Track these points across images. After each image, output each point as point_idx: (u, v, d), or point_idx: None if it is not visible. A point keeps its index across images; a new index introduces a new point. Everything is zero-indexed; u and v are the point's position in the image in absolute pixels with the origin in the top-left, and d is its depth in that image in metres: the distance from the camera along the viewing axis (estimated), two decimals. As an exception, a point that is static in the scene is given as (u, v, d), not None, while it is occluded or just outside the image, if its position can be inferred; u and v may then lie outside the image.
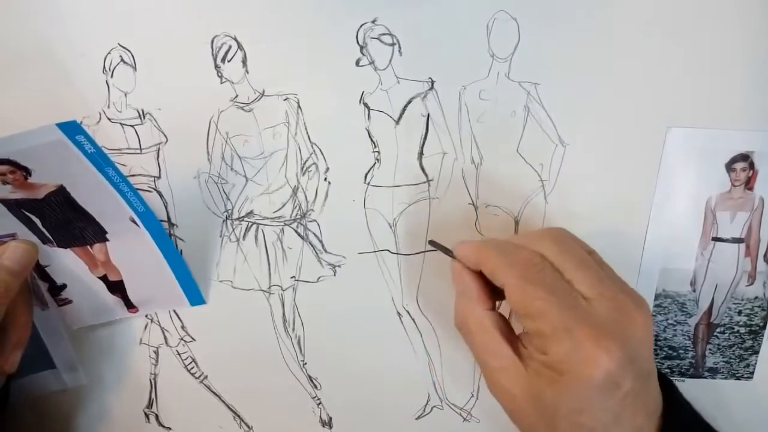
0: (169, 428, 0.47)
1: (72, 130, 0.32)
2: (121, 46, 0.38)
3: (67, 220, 0.37)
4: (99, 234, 0.39)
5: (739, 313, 0.42)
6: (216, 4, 0.37)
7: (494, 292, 0.34)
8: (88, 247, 0.39)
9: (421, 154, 0.40)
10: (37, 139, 0.32)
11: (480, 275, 0.34)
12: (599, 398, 0.29)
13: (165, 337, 0.45)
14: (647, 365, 0.31)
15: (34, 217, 0.37)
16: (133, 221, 0.38)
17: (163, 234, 0.39)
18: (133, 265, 0.41)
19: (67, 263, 0.40)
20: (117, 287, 0.42)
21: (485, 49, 0.38)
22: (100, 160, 0.34)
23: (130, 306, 0.43)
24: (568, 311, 0.30)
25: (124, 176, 0.35)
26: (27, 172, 0.34)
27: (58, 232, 0.38)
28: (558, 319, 0.29)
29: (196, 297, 0.43)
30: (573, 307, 0.30)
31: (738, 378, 0.44)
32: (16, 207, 0.36)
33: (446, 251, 0.36)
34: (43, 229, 0.38)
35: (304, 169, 0.41)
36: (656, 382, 0.32)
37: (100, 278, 0.41)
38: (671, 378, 0.43)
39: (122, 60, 0.38)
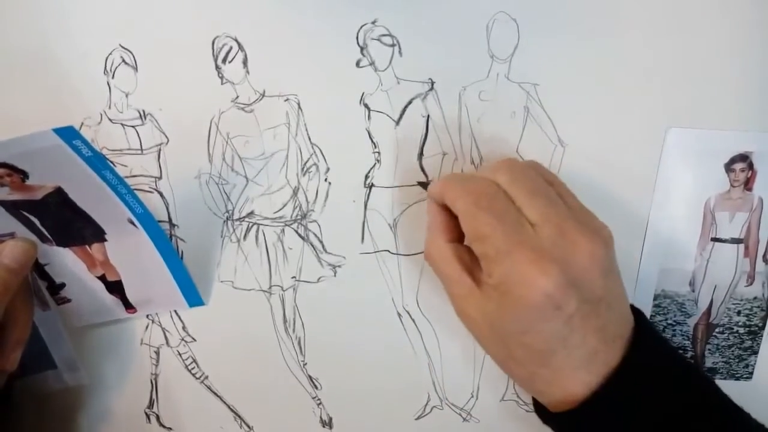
0: (170, 428, 0.48)
1: (69, 135, 0.32)
2: (122, 47, 0.38)
3: (65, 220, 0.38)
4: (97, 234, 0.39)
5: (738, 313, 0.42)
6: (217, 5, 0.38)
7: (461, 231, 0.35)
8: (87, 246, 0.40)
9: (421, 154, 0.40)
10: (34, 144, 0.32)
11: (447, 210, 0.35)
12: (540, 319, 0.30)
13: (166, 338, 0.45)
14: (596, 289, 0.31)
15: (32, 217, 0.37)
16: (132, 223, 0.38)
17: (162, 236, 0.39)
18: (131, 266, 0.41)
19: (65, 262, 0.40)
20: (115, 287, 0.42)
21: (485, 50, 0.38)
22: (97, 163, 0.34)
23: (128, 306, 0.43)
24: (511, 235, 0.31)
25: (122, 179, 0.35)
26: (24, 174, 0.34)
27: (57, 232, 0.38)
28: (501, 242, 0.31)
29: (194, 299, 0.43)
30: (517, 232, 0.31)
31: (737, 378, 0.44)
32: (13, 207, 0.36)
33: (423, 185, 0.39)
34: (42, 229, 0.38)
35: (305, 169, 0.41)
36: (620, 310, 0.33)
37: (98, 278, 0.41)
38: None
39: (123, 61, 0.38)
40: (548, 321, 0.30)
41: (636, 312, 0.34)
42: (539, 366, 0.32)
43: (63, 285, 0.42)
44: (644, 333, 0.33)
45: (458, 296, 0.34)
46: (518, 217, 0.32)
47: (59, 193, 0.36)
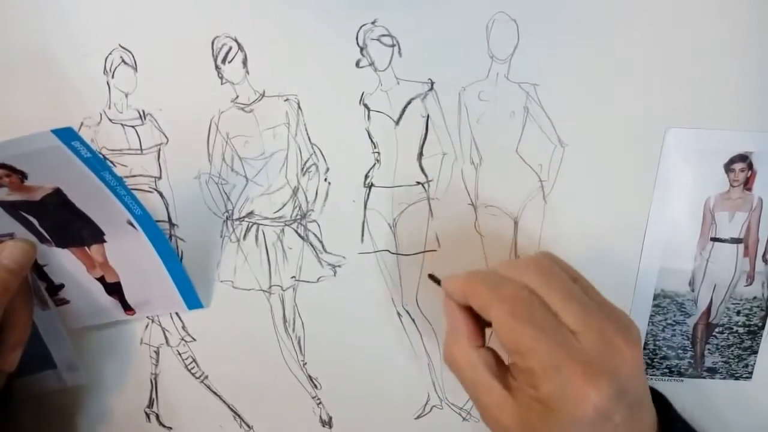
0: (170, 428, 0.48)
1: (67, 136, 0.32)
2: (121, 47, 0.38)
3: (64, 221, 0.38)
4: (96, 235, 0.39)
5: (738, 313, 0.42)
6: (216, 5, 0.38)
7: (483, 323, 0.34)
8: (86, 248, 0.40)
9: (420, 154, 0.40)
10: (33, 145, 0.32)
11: (469, 310, 0.34)
12: (590, 431, 0.29)
13: (165, 337, 0.45)
14: (638, 393, 0.31)
15: (31, 218, 0.37)
16: (131, 224, 0.38)
17: (161, 237, 0.39)
18: (130, 268, 0.41)
19: (64, 263, 0.40)
20: (114, 289, 0.42)
21: (485, 50, 0.38)
22: (96, 164, 0.34)
23: (127, 308, 0.43)
24: (556, 348, 0.30)
25: (121, 180, 0.35)
26: (23, 175, 0.34)
27: (56, 233, 0.38)
28: (547, 357, 0.30)
29: (193, 301, 0.43)
30: (561, 344, 0.30)
31: (737, 378, 0.44)
32: (12, 208, 0.36)
33: (435, 280, 0.37)
34: (41, 229, 0.38)
35: (305, 169, 0.41)
36: (649, 403, 0.32)
37: (97, 279, 0.41)
38: (668, 386, 0.43)
39: (123, 61, 0.38)
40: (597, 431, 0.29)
41: (659, 398, 0.34)
42: None
43: (62, 286, 0.42)
44: (670, 425, 0.33)
45: (489, 404, 0.33)
46: (559, 326, 0.31)
47: (58, 194, 0.36)
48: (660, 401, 0.34)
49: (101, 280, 0.41)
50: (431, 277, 0.38)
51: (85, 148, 0.33)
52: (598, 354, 0.30)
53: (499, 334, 0.32)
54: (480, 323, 0.34)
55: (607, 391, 0.29)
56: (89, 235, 0.39)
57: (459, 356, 0.34)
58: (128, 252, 0.40)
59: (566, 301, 0.31)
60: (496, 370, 0.33)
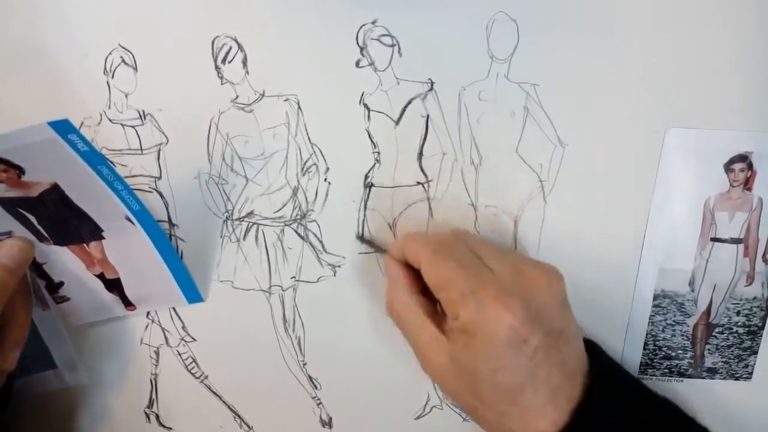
0: (170, 428, 0.48)
1: (64, 128, 0.32)
2: (121, 47, 0.38)
3: (62, 218, 0.38)
4: (95, 232, 0.39)
5: (738, 313, 0.42)
6: (216, 5, 0.38)
7: (423, 287, 0.36)
8: (85, 245, 0.40)
9: (420, 154, 0.40)
10: (30, 138, 0.32)
11: (408, 267, 0.37)
12: (509, 354, 0.31)
13: (166, 337, 0.45)
14: (555, 323, 0.33)
15: (29, 215, 0.37)
16: (129, 220, 0.38)
17: (160, 232, 0.39)
18: (129, 263, 0.41)
19: (64, 261, 0.40)
20: (114, 285, 0.42)
21: (485, 50, 0.38)
22: (93, 158, 0.34)
23: (127, 304, 0.43)
24: (472, 278, 0.33)
25: (119, 175, 0.35)
26: (20, 170, 0.34)
27: (54, 230, 0.38)
28: (464, 285, 0.32)
29: (193, 295, 0.43)
30: (477, 274, 0.33)
31: (737, 378, 0.44)
32: (10, 205, 0.36)
33: (380, 250, 0.41)
34: (39, 227, 0.38)
35: (305, 169, 0.41)
36: (577, 345, 0.34)
37: (97, 276, 0.41)
38: (670, 375, 0.43)
39: (123, 61, 0.38)
40: (516, 355, 0.31)
41: (590, 344, 0.36)
42: (509, 405, 0.32)
43: (61, 284, 0.42)
44: (601, 365, 0.34)
45: (423, 344, 0.35)
46: (477, 261, 0.34)
47: (56, 190, 0.36)
48: (591, 347, 0.36)
49: (101, 276, 0.41)
50: (360, 238, 0.42)
51: (82, 142, 0.33)
52: (511, 281, 0.33)
53: (425, 273, 0.35)
54: (418, 277, 0.36)
55: (519, 312, 0.31)
56: (88, 232, 0.39)
57: (396, 302, 0.37)
58: (127, 248, 0.40)
59: (484, 247, 0.35)
60: (432, 315, 0.35)
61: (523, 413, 0.32)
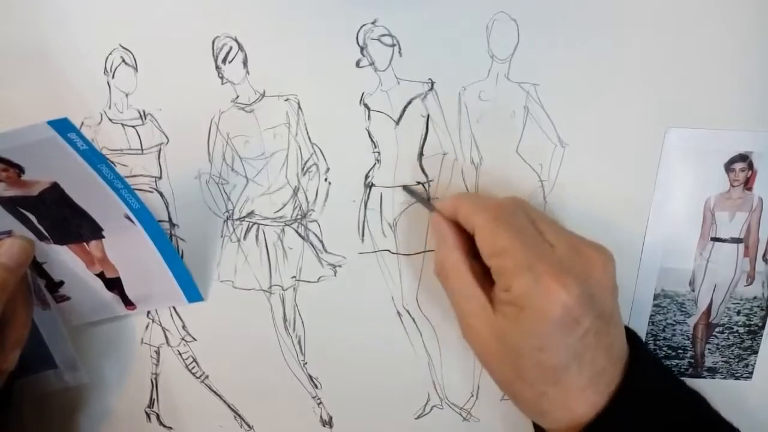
0: (170, 428, 0.48)
1: (64, 127, 0.32)
2: (122, 47, 0.38)
3: (62, 218, 0.38)
4: (95, 231, 0.39)
5: (738, 313, 0.42)
6: (216, 5, 0.38)
7: (472, 247, 0.35)
8: (85, 244, 0.40)
9: (421, 154, 0.40)
10: (29, 137, 0.32)
11: (458, 226, 0.35)
12: (559, 334, 0.30)
13: (166, 337, 0.45)
14: (607, 306, 0.32)
15: (29, 214, 0.37)
16: (129, 219, 0.38)
17: (159, 231, 0.39)
18: (129, 263, 0.41)
19: (64, 260, 0.40)
20: (114, 284, 0.42)
21: (485, 50, 0.38)
22: (93, 157, 0.34)
23: (128, 303, 0.43)
24: (530, 250, 0.31)
25: (118, 173, 0.35)
26: (20, 169, 0.34)
27: (54, 229, 0.38)
28: (520, 256, 0.31)
29: (193, 294, 0.43)
30: (535, 246, 0.32)
31: (737, 378, 0.44)
32: (10, 204, 0.36)
33: (425, 203, 0.38)
34: (39, 227, 0.38)
35: (305, 169, 0.41)
36: (621, 330, 0.33)
37: (97, 275, 0.41)
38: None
39: (123, 61, 0.39)
40: (566, 335, 0.30)
41: (631, 333, 0.35)
42: (550, 384, 0.31)
43: (62, 283, 0.42)
44: (642, 354, 0.33)
45: (469, 311, 0.34)
46: (537, 234, 0.32)
47: (55, 189, 0.36)
48: (631, 335, 0.35)
49: (101, 275, 0.41)
50: (407, 189, 0.40)
51: (82, 140, 0.33)
52: (569, 259, 0.31)
53: (479, 238, 0.33)
54: (468, 237, 0.35)
55: (576, 290, 0.30)
56: (88, 232, 0.39)
57: (448, 263, 0.35)
58: (127, 247, 0.40)
59: (545, 221, 0.34)
60: (481, 280, 0.34)
61: (563, 394, 0.31)
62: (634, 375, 0.32)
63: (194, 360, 0.45)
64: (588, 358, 0.31)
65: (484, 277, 0.34)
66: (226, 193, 0.42)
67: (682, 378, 0.44)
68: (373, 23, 0.38)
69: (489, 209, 0.33)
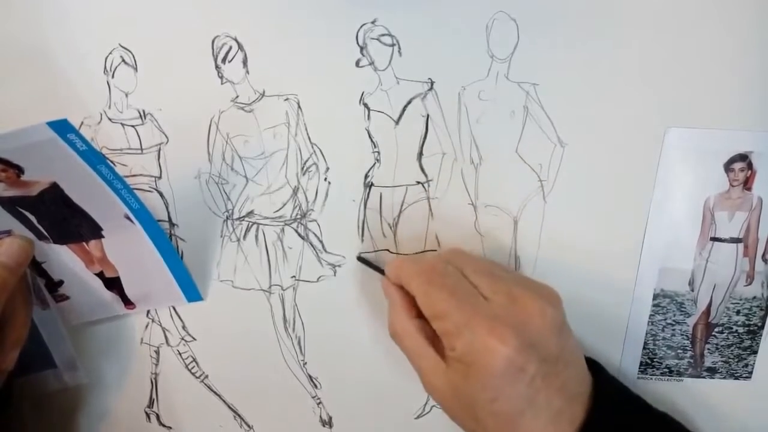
0: (170, 427, 0.48)
1: (63, 128, 0.32)
2: (122, 46, 0.38)
3: (62, 217, 0.38)
4: (94, 231, 0.39)
5: (738, 312, 0.42)
6: (216, 4, 0.38)
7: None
8: (84, 243, 0.40)
9: (420, 154, 0.40)
10: (29, 138, 0.32)
11: (406, 290, 0.37)
12: (507, 384, 0.31)
13: (166, 337, 0.45)
14: (552, 349, 0.32)
15: (28, 214, 0.37)
16: (128, 218, 0.38)
17: (159, 231, 0.39)
18: (129, 262, 0.41)
19: (63, 260, 0.40)
20: (114, 284, 0.42)
21: (484, 49, 0.38)
22: (92, 157, 0.34)
23: (127, 302, 0.43)
24: (466, 308, 0.32)
25: (118, 174, 0.35)
26: (19, 170, 0.34)
27: (54, 229, 0.38)
28: (457, 316, 0.32)
29: (192, 293, 0.43)
30: (470, 304, 0.33)
31: (737, 378, 0.44)
32: (9, 204, 0.36)
33: (378, 270, 0.40)
34: (39, 226, 0.38)
35: (305, 169, 0.41)
36: (577, 367, 0.34)
37: (96, 275, 0.41)
38: (662, 372, 0.43)
39: (123, 60, 0.39)
40: (513, 385, 0.31)
41: (593, 365, 0.36)
42: (510, 431, 0.32)
43: (61, 282, 0.42)
44: (604, 385, 0.34)
45: (425, 370, 0.35)
46: (471, 289, 0.34)
47: (55, 189, 0.36)
48: (594, 367, 0.36)
49: (100, 275, 0.41)
50: (360, 259, 0.42)
51: (81, 141, 0.33)
52: (504, 311, 0.32)
53: (419, 302, 0.35)
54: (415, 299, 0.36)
55: (513, 342, 0.31)
56: (87, 231, 0.39)
57: (398, 326, 0.37)
58: (126, 247, 0.40)
59: (479, 272, 0.35)
60: (432, 338, 0.35)
61: None
62: (597, 409, 0.33)
63: (194, 360, 0.45)
64: (541, 401, 0.32)
65: (434, 333, 0.35)
66: (225, 193, 0.42)
67: (681, 378, 0.44)
68: (372, 23, 0.38)
69: (423, 274, 0.35)
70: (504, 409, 0.32)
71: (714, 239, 0.41)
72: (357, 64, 0.39)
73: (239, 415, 0.47)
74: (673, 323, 0.43)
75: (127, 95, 0.39)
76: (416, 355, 0.36)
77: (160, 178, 0.41)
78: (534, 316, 0.32)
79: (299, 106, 0.39)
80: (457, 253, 0.37)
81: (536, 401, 0.31)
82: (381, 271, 0.39)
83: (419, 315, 0.36)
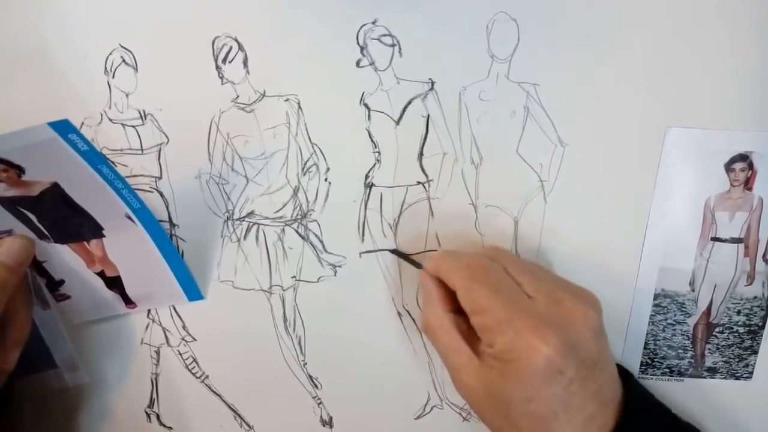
0: (170, 428, 0.48)
1: (64, 128, 0.32)
2: (122, 47, 0.38)
3: (62, 217, 0.38)
4: (95, 230, 0.39)
5: (738, 312, 0.42)
6: (217, 4, 0.38)
7: (457, 304, 0.36)
8: (85, 243, 0.40)
9: (421, 154, 0.40)
10: (30, 138, 0.32)
11: (442, 283, 0.36)
12: (544, 385, 0.31)
13: (166, 337, 0.45)
14: (591, 353, 0.32)
15: (29, 214, 0.37)
16: (129, 218, 0.38)
17: (160, 230, 0.39)
18: (130, 261, 0.41)
19: (64, 259, 0.40)
20: (115, 283, 0.42)
21: (485, 49, 0.38)
22: (93, 157, 0.34)
23: (128, 302, 0.43)
24: (509, 305, 0.32)
25: (119, 173, 0.35)
26: (20, 170, 0.34)
27: (55, 229, 0.38)
28: (500, 313, 0.32)
29: (193, 292, 0.43)
30: (513, 301, 0.33)
31: (737, 378, 0.44)
32: (10, 204, 0.36)
33: (413, 262, 0.40)
34: (40, 226, 0.38)
35: (305, 169, 0.41)
36: (611, 373, 0.34)
37: (97, 274, 0.41)
38: (670, 375, 0.43)
39: (123, 61, 0.39)
40: (551, 386, 0.31)
41: (624, 373, 0.36)
42: None
43: (62, 282, 0.42)
44: (635, 395, 0.34)
45: (458, 366, 0.35)
46: (514, 287, 0.34)
47: (56, 189, 0.36)
48: (624, 374, 0.36)
49: (101, 274, 0.41)
50: (395, 252, 0.41)
51: (82, 141, 0.33)
52: (548, 311, 0.32)
53: (460, 297, 0.34)
54: (452, 293, 0.36)
55: (555, 343, 0.31)
56: (88, 231, 0.39)
57: (432, 320, 0.36)
58: (127, 246, 0.40)
59: (522, 271, 0.35)
60: (467, 334, 0.35)
61: None
62: (627, 417, 0.33)
63: (194, 360, 0.45)
64: (576, 405, 0.31)
65: (471, 331, 0.35)
66: (226, 193, 0.42)
67: (682, 378, 0.44)
68: (373, 23, 0.38)
69: (466, 269, 0.35)
70: (538, 410, 0.31)
71: (714, 239, 0.41)
72: (357, 64, 0.39)
73: (239, 415, 0.47)
74: (674, 323, 0.43)
75: (127, 95, 0.39)
76: (450, 350, 0.35)
77: (160, 178, 0.41)
78: (576, 319, 0.32)
79: (300, 107, 0.39)
80: (500, 250, 0.38)
81: (571, 405, 0.31)
82: (417, 265, 0.39)
83: (453, 310, 0.36)
